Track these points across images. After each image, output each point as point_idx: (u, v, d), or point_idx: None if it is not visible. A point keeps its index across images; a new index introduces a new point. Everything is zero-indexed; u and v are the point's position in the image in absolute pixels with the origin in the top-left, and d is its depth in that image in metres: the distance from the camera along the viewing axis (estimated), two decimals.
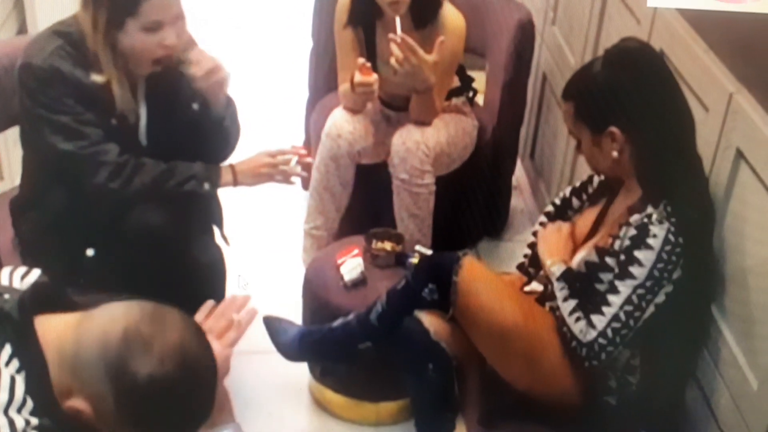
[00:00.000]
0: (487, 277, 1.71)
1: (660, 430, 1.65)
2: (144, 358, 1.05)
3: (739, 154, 1.53)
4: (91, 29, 1.70)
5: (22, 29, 3.00)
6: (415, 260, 2.08)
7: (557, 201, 1.92)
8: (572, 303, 1.61)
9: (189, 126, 1.92)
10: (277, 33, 4.24)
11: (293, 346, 1.97)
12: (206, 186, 1.88)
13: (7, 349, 1.11)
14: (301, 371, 2.19)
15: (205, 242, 2.00)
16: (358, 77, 2.29)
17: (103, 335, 1.07)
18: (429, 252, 2.12)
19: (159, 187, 1.83)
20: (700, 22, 1.77)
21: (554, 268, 1.67)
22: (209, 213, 2.03)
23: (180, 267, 1.83)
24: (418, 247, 2.16)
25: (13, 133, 2.39)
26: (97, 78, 1.73)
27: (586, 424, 1.63)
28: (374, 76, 2.29)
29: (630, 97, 1.55)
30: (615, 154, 1.59)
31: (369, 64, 2.29)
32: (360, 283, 2.07)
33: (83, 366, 1.08)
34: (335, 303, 2.04)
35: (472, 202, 2.68)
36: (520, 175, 3.12)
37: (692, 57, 1.72)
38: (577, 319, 1.58)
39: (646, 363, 1.62)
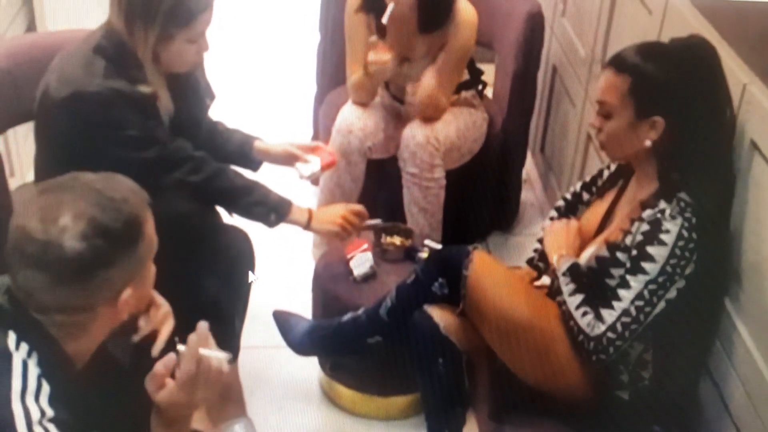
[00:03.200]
0: (497, 272, 1.70)
1: (673, 425, 1.64)
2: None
3: (753, 146, 1.51)
4: (142, 42, 1.70)
5: (31, 27, 3.01)
6: (424, 255, 2.07)
7: (568, 196, 1.90)
8: (579, 297, 1.59)
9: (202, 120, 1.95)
10: (284, 27, 4.23)
11: (303, 340, 1.97)
12: (272, 217, 1.88)
13: (12, 334, 1.12)
14: (311, 366, 2.19)
15: (230, 228, 1.99)
16: (372, 56, 2.26)
17: None
18: (438, 246, 2.11)
19: (234, 198, 1.85)
20: (713, 12, 1.75)
21: (560, 263, 1.66)
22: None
23: (209, 252, 1.83)
24: (427, 242, 2.15)
25: (23, 129, 2.40)
26: (144, 89, 1.74)
27: (597, 419, 1.62)
28: (389, 55, 2.26)
29: (688, 96, 1.52)
30: (648, 143, 1.56)
31: (383, 42, 2.24)
32: (369, 277, 2.07)
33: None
34: (345, 297, 2.03)
35: (482, 196, 2.67)
36: (530, 168, 3.11)
37: None
38: (585, 314, 1.57)
39: (658, 357, 1.61)
